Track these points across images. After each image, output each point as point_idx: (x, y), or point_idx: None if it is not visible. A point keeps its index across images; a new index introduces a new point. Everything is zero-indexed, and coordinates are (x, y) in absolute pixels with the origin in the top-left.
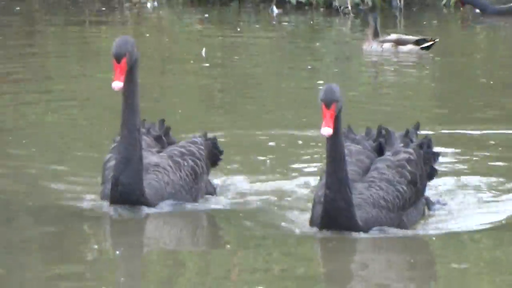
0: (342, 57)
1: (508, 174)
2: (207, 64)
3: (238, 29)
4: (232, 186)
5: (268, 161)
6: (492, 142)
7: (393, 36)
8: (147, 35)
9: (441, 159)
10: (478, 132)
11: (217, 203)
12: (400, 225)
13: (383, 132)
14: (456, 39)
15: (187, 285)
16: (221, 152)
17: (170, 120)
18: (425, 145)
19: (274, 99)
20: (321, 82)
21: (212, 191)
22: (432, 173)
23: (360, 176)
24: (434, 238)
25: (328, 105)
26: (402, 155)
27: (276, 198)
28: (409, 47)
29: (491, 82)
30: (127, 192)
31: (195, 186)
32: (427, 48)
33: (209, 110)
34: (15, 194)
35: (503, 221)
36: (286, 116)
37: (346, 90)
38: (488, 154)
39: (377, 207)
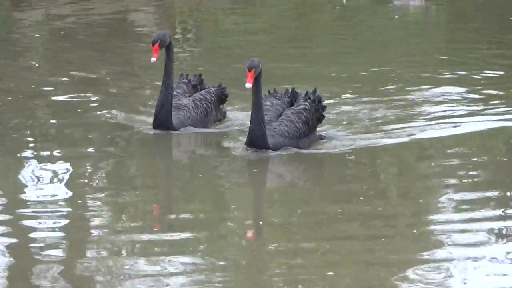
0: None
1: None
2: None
3: None
4: (233, 118)
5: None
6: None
7: None
8: None
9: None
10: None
11: (215, 128)
12: (297, 147)
13: (295, 92)
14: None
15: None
16: (226, 96)
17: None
18: (317, 100)
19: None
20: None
21: (221, 118)
22: (320, 118)
23: (275, 118)
24: (316, 155)
25: (249, 70)
26: (301, 106)
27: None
28: None
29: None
30: (162, 123)
31: (206, 119)
32: None
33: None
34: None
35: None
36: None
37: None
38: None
39: (283, 136)
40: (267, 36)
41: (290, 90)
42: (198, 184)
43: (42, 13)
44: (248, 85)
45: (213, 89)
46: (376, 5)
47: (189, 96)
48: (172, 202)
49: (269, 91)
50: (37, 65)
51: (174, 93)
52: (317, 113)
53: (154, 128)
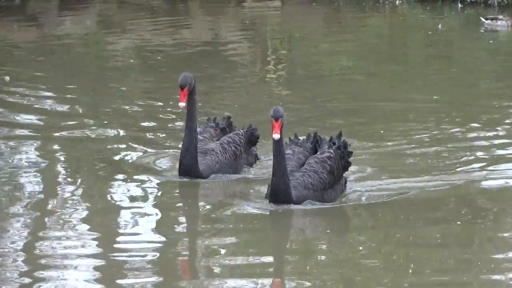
0: None
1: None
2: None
3: (443, 16)
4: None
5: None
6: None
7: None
8: (400, 17)
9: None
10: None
11: (245, 173)
12: (321, 200)
13: (318, 137)
14: None
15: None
16: (257, 138)
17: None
18: (342, 146)
19: None
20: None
21: (252, 162)
22: (346, 165)
23: (298, 168)
24: (343, 208)
25: (276, 119)
26: (325, 154)
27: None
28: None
29: None
30: (187, 170)
31: (235, 163)
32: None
33: None
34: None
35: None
36: None
37: None
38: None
39: (307, 188)
40: (359, 61)
41: (312, 135)
42: (216, 242)
43: (134, 38)
44: (277, 136)
45: (242, 131)
46: (469, 29)
47: (217, 140)
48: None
49: (289, 138)
50: (124, 89)
51: (201, 137)
52: (342, 160)
53: (180, 174)
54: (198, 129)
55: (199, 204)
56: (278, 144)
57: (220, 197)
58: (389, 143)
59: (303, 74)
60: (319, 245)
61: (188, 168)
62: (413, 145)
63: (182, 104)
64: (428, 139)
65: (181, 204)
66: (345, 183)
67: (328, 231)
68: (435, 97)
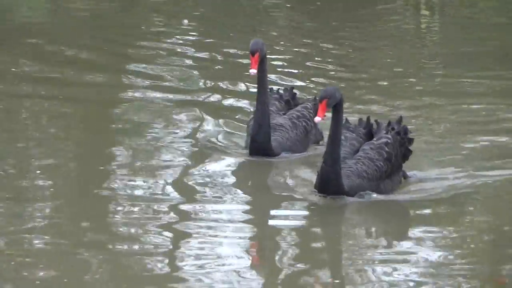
0: None
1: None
2: None
3: None
4: None
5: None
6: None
7: None
8: None
9: None
10: None
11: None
12: (377, 191)
13: (372, 121)
14: None
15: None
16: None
17: None
18: (402, 132)
19: None
20: None
21: (319, 139)
22: (406, 153)
23: (351, 155)
24: (402, 202)
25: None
26: (382, 140)
27: None
28: None
29: None
30: (260, 148)
31: (305, 139)
32: None
33: None
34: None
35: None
36: None
37: None
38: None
39: (360, 177)
40: None
41: (365, 119)
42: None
43: None
44: (253, 71)
45: (310, 104)
46: None
47: (284, 114)
48: None
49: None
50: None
51: None
52: (402, 147)
53: (250, 154)
54: None
55: (267, 187)
56: (335, 127)
57: (279, 181)
58: None
59: (456, 22)
60: (371, 241)
61: (261, 146)
62: None
63: (254, 71)
64: None
65: (249, 185)
66: (403, 175)
67: (384, 225)
68: None
